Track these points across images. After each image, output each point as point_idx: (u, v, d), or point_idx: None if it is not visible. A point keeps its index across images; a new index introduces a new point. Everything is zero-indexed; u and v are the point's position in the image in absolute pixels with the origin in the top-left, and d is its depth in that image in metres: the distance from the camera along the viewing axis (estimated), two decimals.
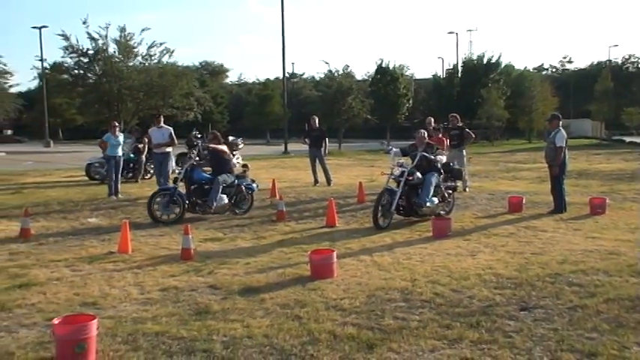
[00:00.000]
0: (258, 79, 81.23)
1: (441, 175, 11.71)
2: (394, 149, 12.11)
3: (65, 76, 40.33)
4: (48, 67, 49.85)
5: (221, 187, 12.06)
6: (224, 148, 12.72)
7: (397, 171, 11.25)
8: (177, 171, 12.11)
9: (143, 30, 37.33)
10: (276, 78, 71.49)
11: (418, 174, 11.19)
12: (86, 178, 19.81)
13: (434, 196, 11.38)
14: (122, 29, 36.39)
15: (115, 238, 9.79)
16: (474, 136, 17.64)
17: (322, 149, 18.37)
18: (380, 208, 10.81)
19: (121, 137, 16.34)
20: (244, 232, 10.72)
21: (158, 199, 11.73)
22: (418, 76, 65.09)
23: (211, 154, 12.49)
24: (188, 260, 8.44)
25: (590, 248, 9.06)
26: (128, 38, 36.46)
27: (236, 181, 12.55)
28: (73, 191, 17.01)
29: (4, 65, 46.53)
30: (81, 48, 36.92)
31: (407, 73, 53.39)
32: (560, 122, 12.59)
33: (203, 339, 5.38)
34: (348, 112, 44.80)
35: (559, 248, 9.09)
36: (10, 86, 49.86)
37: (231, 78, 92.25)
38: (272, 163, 29.68)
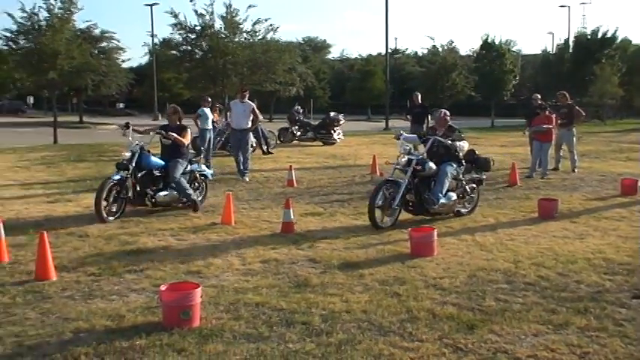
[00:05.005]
0: (360, 55, 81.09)
1: (461, 166, 9.78)
2: (405, 134, 10.15)
3: (173, 51, 41.51)
4: (158, 43, 51.46)
5: (183, 180, 10.22)
6: (188, 137, 10.62)
7: (403, 159, 9.27)
8: (127, 155, 9.82)
9: (249, 7, 37.52)
10: (379, 54, 70.87)
11: (431, 164, 9.24)
12: (192, 150, 20.43)
13: (451, 190, 9.52)
14: (228, 5, 37.03)
15: (218, 210, 10.06)
16: (584, 114, 16.88)
17: (424, 126, 18.11)
18: (379, 203, 8.95)
19: (207, 111, 17.03)
20: (344, 208, 10.74)
21: (113, 191, 9.52)
22: (526, 51, 62.99)
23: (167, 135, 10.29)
24: (288, 233, 8.55)
25: None
26: (234, 14, 37.07)
27: (189, 166, 10.58)
28: None
29: (118, 41, 48.28)
30: (188, 24, 37.90)
31: (514, 49, 51.73)
32: None
33: (302, 311, 5.44)
34: (451, 89, 43.92)
35: None
36: (123, 61, 51.76)
37: (334, 54, 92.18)
38: (373, 139, 29.55)
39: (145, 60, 65.12)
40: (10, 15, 26.40)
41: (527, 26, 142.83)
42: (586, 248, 7.77)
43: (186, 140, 10.46)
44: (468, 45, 71.31)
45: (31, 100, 66.16)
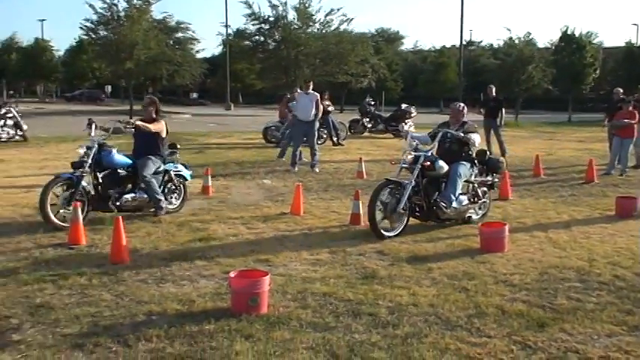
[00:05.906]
0: (434, 47, 79.99)
1: (474, 167, 8.79)
2: (413, 134, 9.11)
3: (247, 42, 42.11)
4: (231, 33, 52.19)
5: (154, 180, 8.84)
6: (159, 126, 9.11)
7: (409, 156, 8.29)
8: (81, 151, 8.42)
9: None
10: (453, 46, 69.86)
11: (441, 162, 8.24)
12: (263, 140, 20.68)
13: (462, 193, 8.56)
14: None
15: (287, 200, 10.14)
16: None
17: (498, 119, 17.78)
18: (381, 207, 7.92)
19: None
20: None
21: (60, 192, 8.16)
22: (608, 44, 60.67)
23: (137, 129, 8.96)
24: (357, 225, 8.55)
25: None
26: (306, 5, 37.28)
27: (162, 166, 9.12)
28: (250, 153, 17.84)
29: (193, 32, 49.24)
30: (262, 15, 38.38)
31: (595, 41, 49.93)
32: None
33: (369, 303, 5.44)
34: (527, 82, 42.87)
35: None
36: (197, 52, 52.76)
37: (407, 45, 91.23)
38: None
39: (218, 50, 66.13)
40: (91, 6, 27.39)
41: (610, 17, 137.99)
42: None
43: (155, 128, 8.99)
44: (546, 37, 69.18)
45: (108, 89, 68.47)
